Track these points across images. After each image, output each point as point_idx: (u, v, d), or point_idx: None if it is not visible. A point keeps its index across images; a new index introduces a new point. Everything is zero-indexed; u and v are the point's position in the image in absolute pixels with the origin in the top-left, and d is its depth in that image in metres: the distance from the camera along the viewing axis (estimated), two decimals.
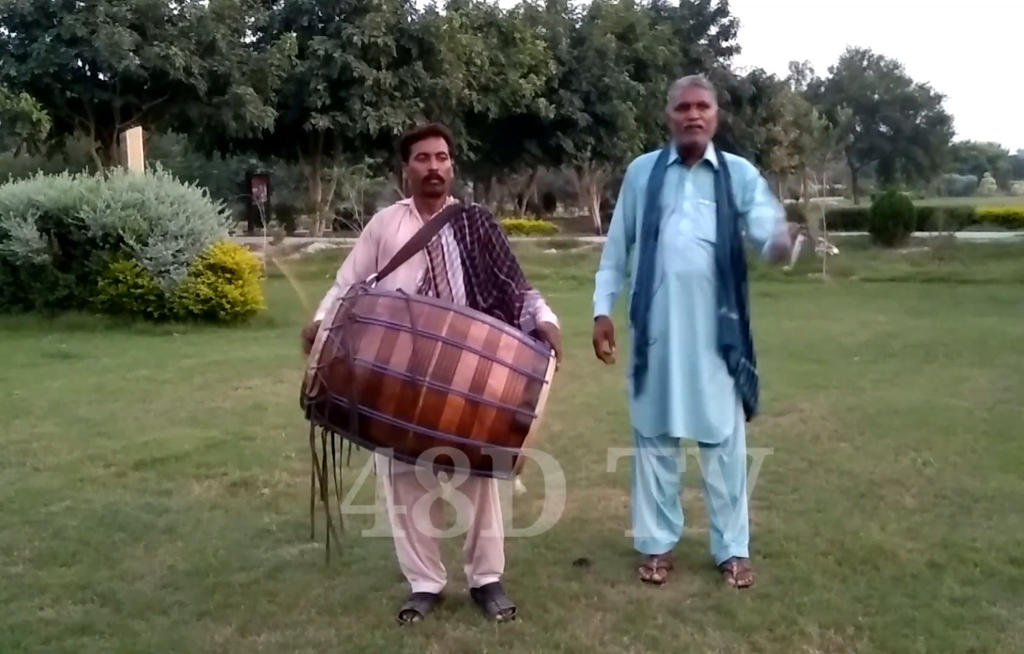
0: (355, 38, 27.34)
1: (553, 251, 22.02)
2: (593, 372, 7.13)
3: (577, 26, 37.23)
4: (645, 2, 41.91)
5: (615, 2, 37.70)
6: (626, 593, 3.56)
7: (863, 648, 3.12)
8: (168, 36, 24.18)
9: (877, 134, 63.23)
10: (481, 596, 3.46)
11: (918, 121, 63.77)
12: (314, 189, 31.95)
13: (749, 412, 3.76)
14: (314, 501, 3.35)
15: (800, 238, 3.44)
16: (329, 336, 3.01)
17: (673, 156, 3.71)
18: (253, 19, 28.46)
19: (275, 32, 28.46)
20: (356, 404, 2.98)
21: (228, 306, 11.73)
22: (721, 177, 3.67)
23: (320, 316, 3.23)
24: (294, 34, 26.89)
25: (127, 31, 23.05)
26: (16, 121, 22.56)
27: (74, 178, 12.73)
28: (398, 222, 3.44)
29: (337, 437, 3.22)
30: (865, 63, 65.57)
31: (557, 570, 3.79)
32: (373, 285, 3.29)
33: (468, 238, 3.40)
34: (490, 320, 3.14)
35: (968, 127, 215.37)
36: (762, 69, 48.82)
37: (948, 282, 16.33)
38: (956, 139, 73.59)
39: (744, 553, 3.74)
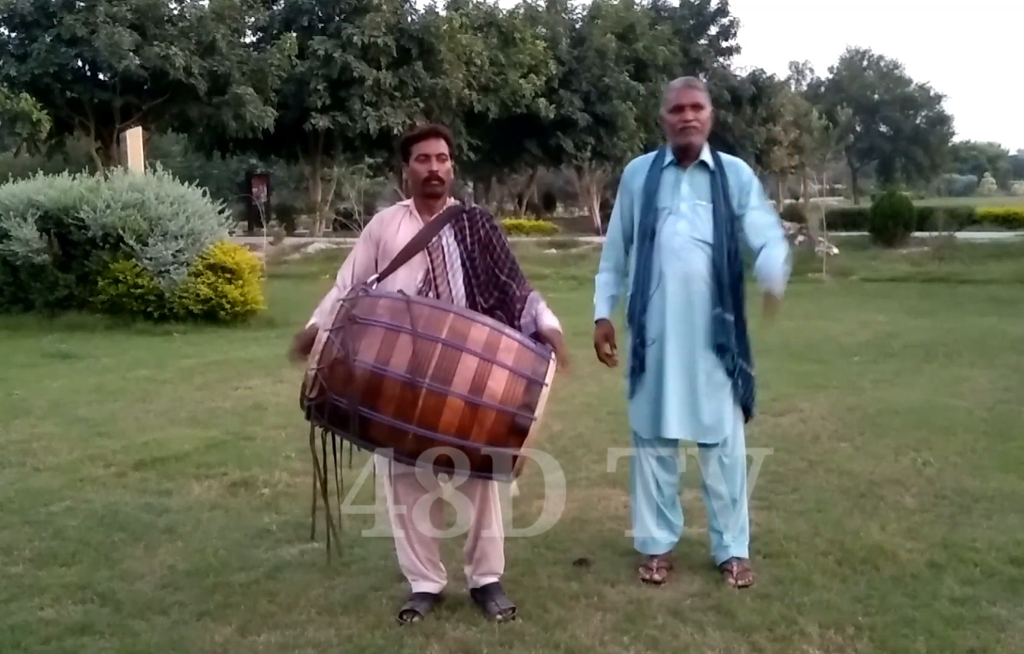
0: (355, 38, 27.34)
1: (553, 251, 22.01)
2: (593, 372, 7.09)
3: (577, 26, 37.21)
4: (645, 2, 41.91)
5: (615, 2, 37.68)
6: (626, 593, 3.56)
7: (863, 648, 3.12)
8: (168, 36, 24.18)
9: (877, 134, 63.19)
10: (481, 596, 3.46)
11: (918, 121, 63.74)
12: (314, 189, 31.95)
13: (747, 414, 3.76)
14: (314, 501, 3.36)
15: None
16: (329, 337, 3.02)
17: (669, 157, 3.70)
18: (253, 19, 28.45)
19: (275, 32, 28.46)
20: (356, 405, 2.98)
21: (228, 306, 11.73)
22: (717, 178, 3.66)
23: (316, 319, 3.23)
24: (294, 34, 26.90)
25: (127, 31, 23.06)
26: (16, 121, 22.58)
27: (74, 178, 12.73)
28: (398, 223, 3.44)
29: (337, 438, 3.23)
30: (865, 63, 65.53)
31: (557, 570, 3.79)
32: (374, 286, 3.30)
33: (468, 239, 3.40)
34: (490, 322, 3.15)
35: (968, 127, 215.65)
36: (762, 69, 48.86)
37: (948, 282, 16.32)
38: (956, 139, 73.72)
39: (744, 553, 3.74)
